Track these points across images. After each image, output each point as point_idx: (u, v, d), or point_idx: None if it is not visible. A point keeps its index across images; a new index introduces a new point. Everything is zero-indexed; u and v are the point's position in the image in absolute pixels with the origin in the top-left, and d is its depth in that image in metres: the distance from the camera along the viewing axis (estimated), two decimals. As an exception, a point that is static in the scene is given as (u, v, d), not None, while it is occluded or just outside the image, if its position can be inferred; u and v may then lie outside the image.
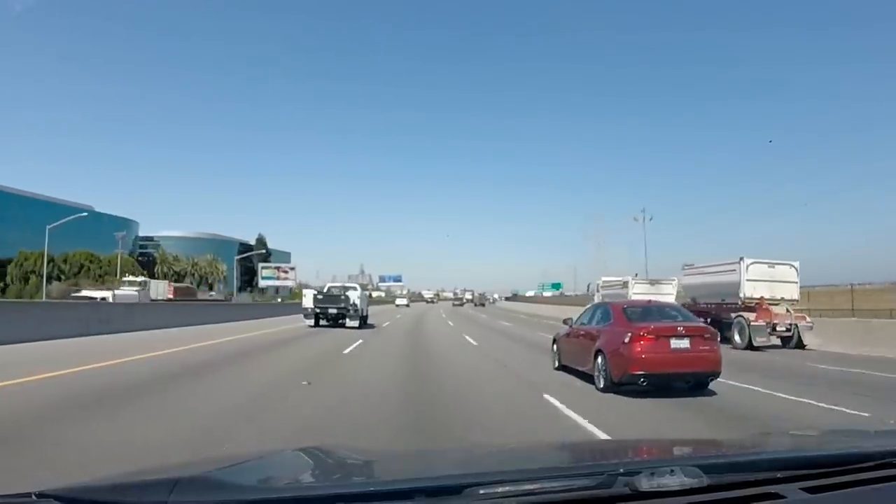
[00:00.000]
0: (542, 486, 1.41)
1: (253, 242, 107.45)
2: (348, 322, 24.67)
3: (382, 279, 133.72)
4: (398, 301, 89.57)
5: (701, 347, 8.78)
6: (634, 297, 24.13)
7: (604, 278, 33.11)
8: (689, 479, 1.40)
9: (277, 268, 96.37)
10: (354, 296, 25.64)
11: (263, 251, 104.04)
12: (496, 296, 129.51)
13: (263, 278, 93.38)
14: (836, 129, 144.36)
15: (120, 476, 1.55)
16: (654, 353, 8.50)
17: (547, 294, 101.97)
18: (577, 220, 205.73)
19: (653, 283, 27.61)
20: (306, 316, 25.65)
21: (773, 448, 2.23)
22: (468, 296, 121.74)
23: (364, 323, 26.52)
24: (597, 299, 28.99)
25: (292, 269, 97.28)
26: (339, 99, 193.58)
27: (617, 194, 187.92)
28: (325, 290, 26.90)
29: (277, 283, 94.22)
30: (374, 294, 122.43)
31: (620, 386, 8.75)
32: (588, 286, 37.71)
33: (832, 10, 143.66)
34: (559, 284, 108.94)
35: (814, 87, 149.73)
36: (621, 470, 1.45)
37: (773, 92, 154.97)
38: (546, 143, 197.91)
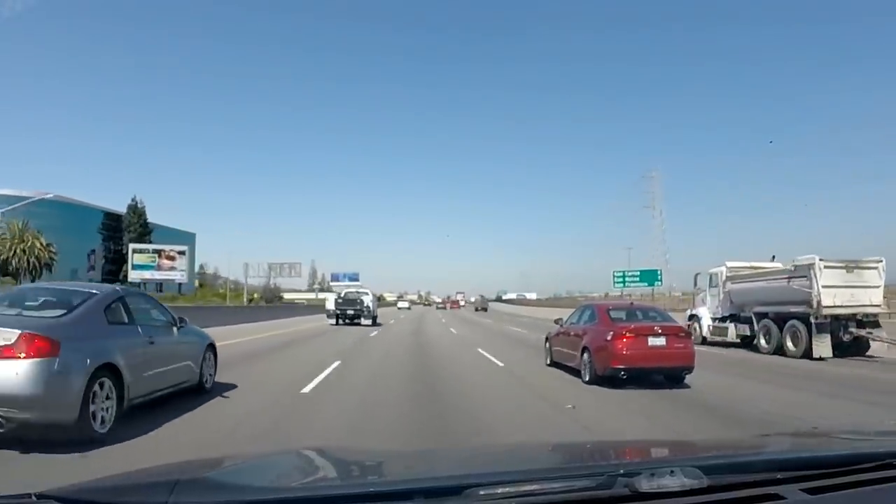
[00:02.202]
0: (541, 487, 1.41)
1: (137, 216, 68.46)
2: (363, 321, 30.04)
3: (335, 277, 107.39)
4: (399, 304, 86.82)
5: (675, 345, 9.76)
6: (824, 290, 15.77)
7: (729, 263, 20.00)
8: (689, 479, 1.40)
9: (159, 252, 62.93)
10: (367, 299, 31.48)
11: (137, 226, 67.38)
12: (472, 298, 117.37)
13: (136, 267, 61.02)
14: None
15: (120, 477, 1.55)
16: (633, 350, 9.46)
17: (627, 290, 56.93)
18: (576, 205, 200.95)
19: (849, 267, 16.79)
20: (329, 316, 31.59)
21: (774, 449, 2.23)
22: (460, 298, 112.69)
23: (374, 322, 31.47)
24: (709, 301, 20.15)
25: (181, 253, 63.51)
26: (309, 97, 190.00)
27: (602, 196, 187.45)
28: (343, 295, 32.35)
29: (158, 275, 61.88)
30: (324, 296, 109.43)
31: (603, 379, 9.59)
32: (695, 278, 22.52)
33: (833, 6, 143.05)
34: (655, 274, 59.39)
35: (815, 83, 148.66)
36: (621, 471, 1.45)
37: (775, 88, 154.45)
38: (525, 143, 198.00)
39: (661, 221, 69.88)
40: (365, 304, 30.94)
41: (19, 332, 5.04)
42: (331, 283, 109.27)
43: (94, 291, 6.47)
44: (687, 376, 9.94)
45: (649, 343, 9.57)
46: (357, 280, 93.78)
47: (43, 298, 6.27)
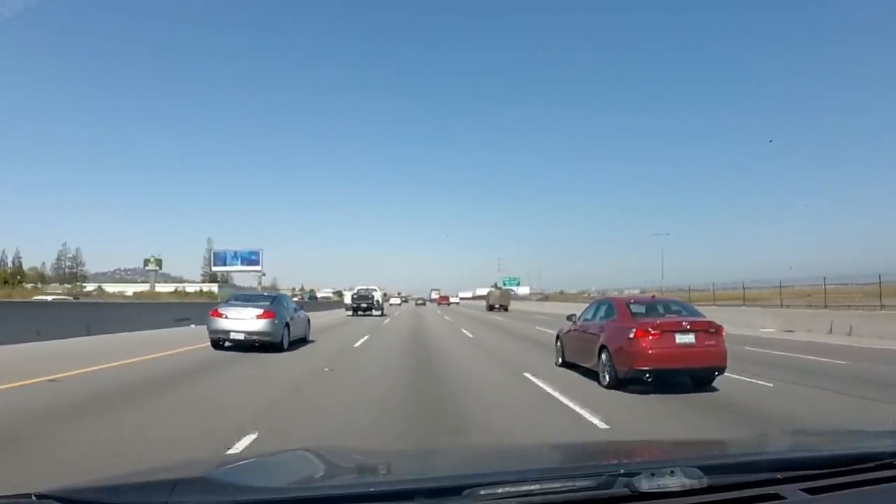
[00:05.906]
0: (542, 487, 1.41)
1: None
2: (373, 312, 39.11)
3: (220, 258, 78.62)
4: (392, 300, 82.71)
5: (706, 342, 8.68)
6: None
7: None
8: (689, 479, 1.40)
9: None
10: (377, 296, 40.84)
11: None
12: (431, 296, 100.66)
13: None
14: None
15: (120, 476, 1.55)
16: (659, 349, 8.46)
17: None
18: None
19: None
20: (347, 308, 41.72)
21: (774, 448, 2.23)
22: (447, 295, 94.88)
23: (382, 313, 40.27)
24: None
25: None
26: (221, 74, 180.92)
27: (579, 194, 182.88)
28: (357, 293, 41.38)
29: None
30: (206, 288, 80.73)
31: (626, 382, 8.70)
32: None
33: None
34: None
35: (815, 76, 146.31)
36: (621, 471, 1.45)
37: (773, 84, 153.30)
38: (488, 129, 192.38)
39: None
40: (375, 300, 40.32)
41: (262, 309, 13.68)
42: (214, 269, 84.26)
43: (275, 294, 18.09)
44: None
45: (677, 340, 8.53)
46: (256, 263, 77.36)
47: (258, 297, 15.55)
